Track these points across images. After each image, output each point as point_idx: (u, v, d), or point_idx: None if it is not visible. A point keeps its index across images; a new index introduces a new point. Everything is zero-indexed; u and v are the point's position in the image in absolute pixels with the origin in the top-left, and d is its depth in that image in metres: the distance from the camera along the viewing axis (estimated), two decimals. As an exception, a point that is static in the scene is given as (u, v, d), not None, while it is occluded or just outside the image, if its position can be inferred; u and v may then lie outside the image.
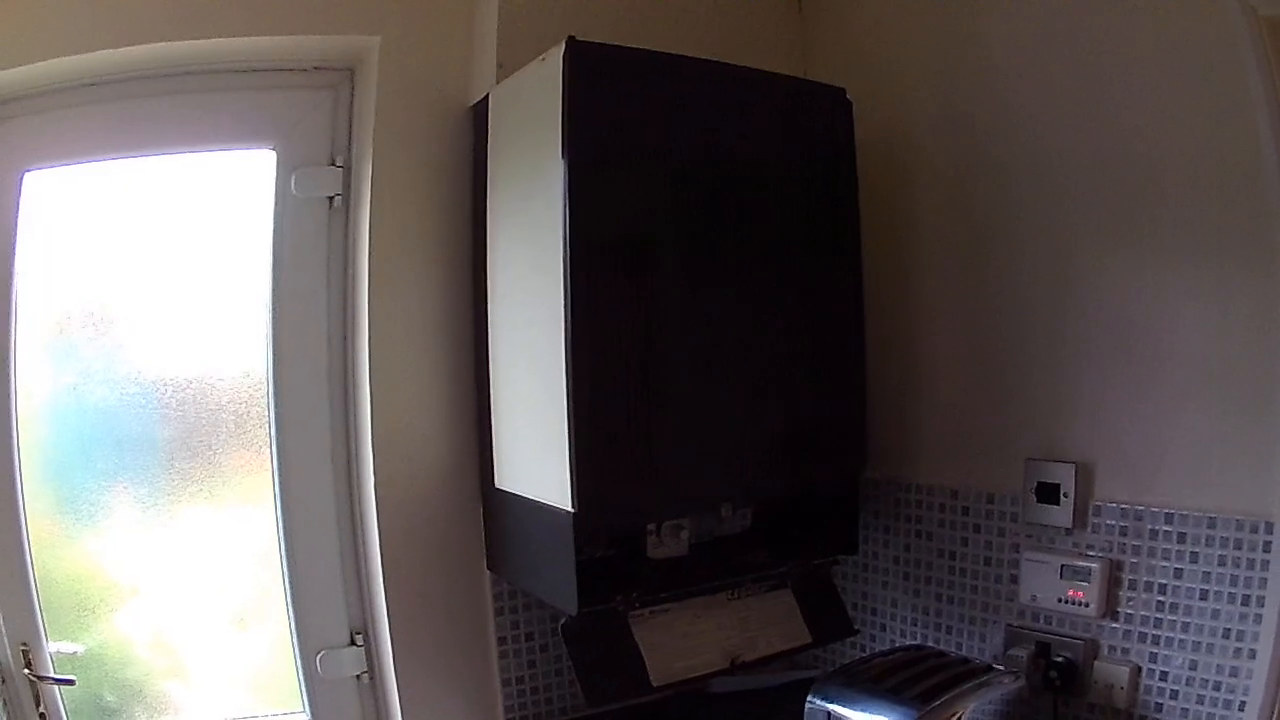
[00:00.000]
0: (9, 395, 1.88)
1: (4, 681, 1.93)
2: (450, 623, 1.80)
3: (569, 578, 1.52)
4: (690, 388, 1.60)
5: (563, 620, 1.62)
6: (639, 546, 1.67)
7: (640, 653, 1.63)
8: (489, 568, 1.81)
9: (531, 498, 1.61)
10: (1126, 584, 1.64)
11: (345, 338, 1.84)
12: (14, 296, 1.89)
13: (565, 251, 1.48)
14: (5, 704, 1.94)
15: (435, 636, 1.79)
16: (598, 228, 1.50)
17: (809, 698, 1.61)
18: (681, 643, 1.66)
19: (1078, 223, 1.66)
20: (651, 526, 1.66)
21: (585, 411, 1.48)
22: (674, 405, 1.58)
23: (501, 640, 1.82)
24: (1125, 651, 1.64)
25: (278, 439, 1.84)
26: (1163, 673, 1.61)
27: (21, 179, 1.89)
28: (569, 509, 1.49)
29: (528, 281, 1.61)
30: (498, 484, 1.72)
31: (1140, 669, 1.64)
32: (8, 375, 1.89)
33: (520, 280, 1.64)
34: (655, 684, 1.62)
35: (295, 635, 1.86)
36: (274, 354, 1.83)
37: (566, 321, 1.47)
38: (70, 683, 1.92)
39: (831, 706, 1.60)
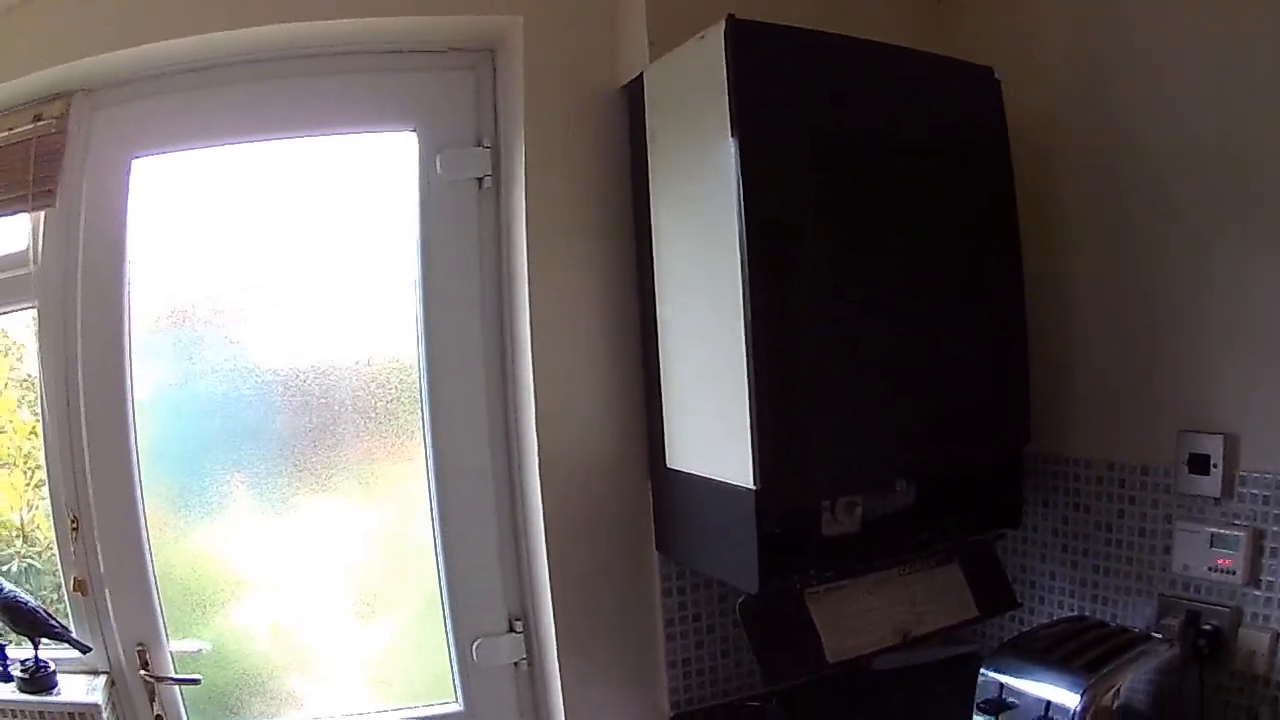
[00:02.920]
0: (125, 387, 1.83)
1: (114, 684, 1.87)
2: (615, 605, 1.79)
3: (750, 557, 1.52)
4: (860, 365, 1.60)
5: (741, 599, 1.62)
6: (809, 524, 1.68)
7: (817, 630, 1.63)
8: (658, 548, 1.80)
9: (708, 476, 1.61)
10: (1269, 551, 1.67)
11: (501, 318, 1.81)
12: (126, 285, 1.84)
13: (741, 230, 1.47)
14: (114, 706, 1.88)
15: (600, 620, 1.78)
16: (769, 205, 1.50)
17: (982, 670, 1.62)
18: (854, 620, 1.67)
19: (1223, 202, 1.69)
20: (826, 504, 1.67)
21: (765, 390, 1.48)
22: (846, 382, 1.59)
23: (669, 622, 1.80)
24: (1266, 619, 1.67)
25: (431, 424, 1.81)
26: (1298, 639, 1.64)
27: (130, 165, 1.84)
28: (751, 487, 1.49)
29: (698, 260, 1.60)
30: (669, 464, 1.71)
31: (1278, 635, 1.67)
32: (122, 367, 1.84)
33: (689, 259, 1.64)
34: (831, 661, 1.63)
35: (449, 624, 1.84)
36: (426, 336, 1.80)
37: (745, 301, 1.47)
38: (195, 682, 1.87)
39: (1004, 678, 1.61)
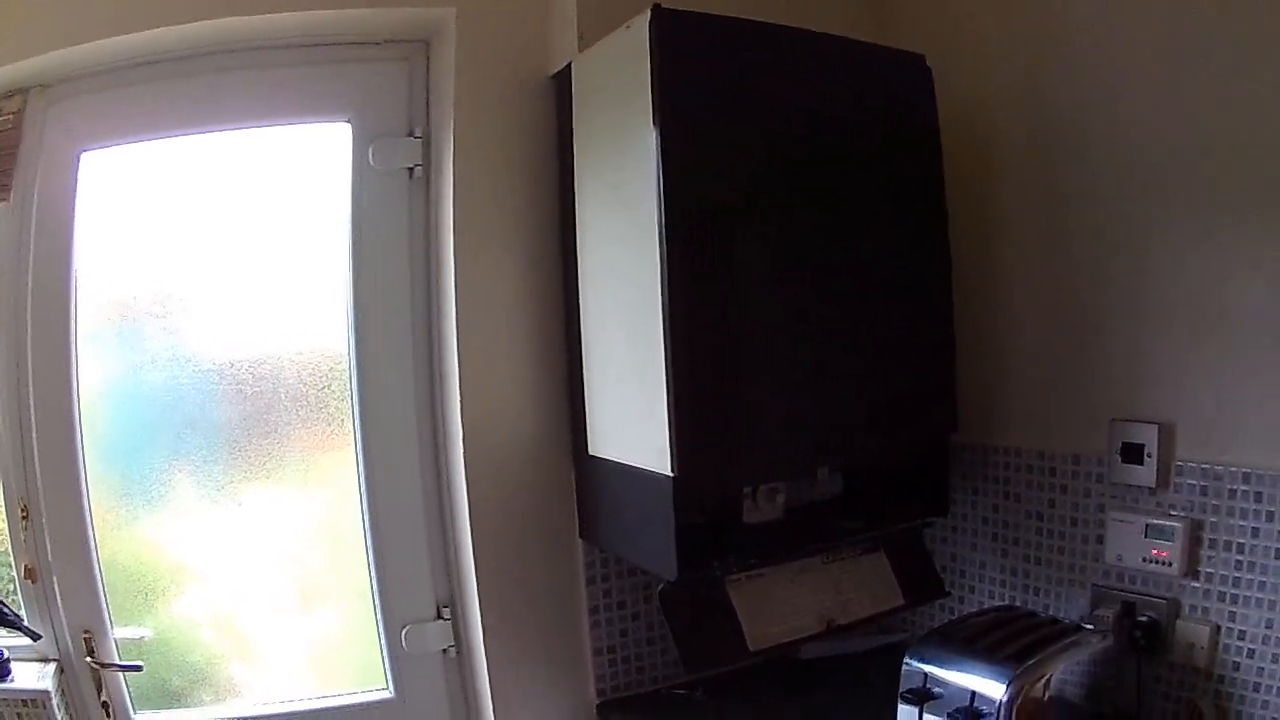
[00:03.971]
0: (71, 378, 1.85)
1: (63, 671, 1.90)
2: (541, 593, 1.79)
3: (668, 543, 1.52)
4: (783, 352, 1.60)
5: (660, 586, 1.62)
6: (734, 512, 1.67)
7: (738, 617, 1.62)
8: (581, 536, 1.81)
9: (628, 464, 1.61)
10: (1206, 543, 1.64)
11: (429, 306, 1.82)
12: (73, 278, 1.86)
13: (660, 219, 1.47)
14: (64, 693, 1.90)
15: (525, 607, 1.78)
16: (691, 195, 1.49)
17: (905, 659, 1.60)
18: (777, 607, 1.66)
19: (1158, 190, 1.67)
20: (747, 491, 1.66)
21: (684, 377, 1.48)
22: (768, 370, 1.58)
23: (593, 610, 1.81)
24: (1205, 611, 1.65)
25: (361, 414, 1.82)
26: (1240, 631, 1.61)
27: (78, 159, 1.87)
28: (669, 474, 1.49)
29: (620, 249, 1.61)
30: (591, 451, 1.71)
31: (1219, 628, 1.64)
32: (69, 358, 1.86)
33: (612, 247, 1.64)
34: (752, 649, 1.62)
35: (379, 611, 1.85)
36: (356, 326, 1.81)
37: (663, 289, 1.47)
38: (138, 669, 1.89)
39: (928, 668, 1.59)
